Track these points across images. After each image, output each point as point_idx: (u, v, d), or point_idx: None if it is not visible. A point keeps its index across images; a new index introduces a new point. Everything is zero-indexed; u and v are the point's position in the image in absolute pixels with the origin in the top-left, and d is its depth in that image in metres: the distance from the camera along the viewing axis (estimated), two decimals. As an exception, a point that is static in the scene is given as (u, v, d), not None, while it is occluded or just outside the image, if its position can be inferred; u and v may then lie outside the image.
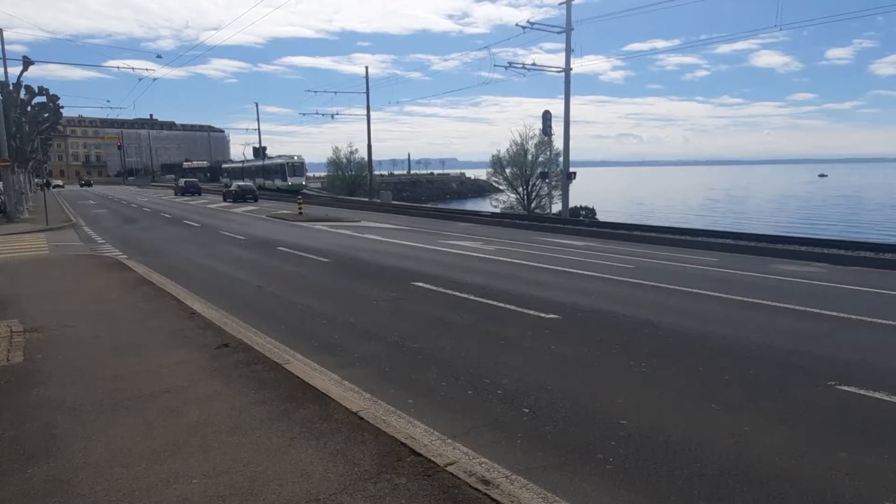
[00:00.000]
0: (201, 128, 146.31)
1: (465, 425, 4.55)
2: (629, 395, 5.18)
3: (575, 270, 12.30)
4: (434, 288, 10.04)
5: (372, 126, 45.02)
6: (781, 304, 8.96)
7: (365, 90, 45.45)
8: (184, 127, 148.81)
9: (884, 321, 7.89)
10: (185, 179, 60.78)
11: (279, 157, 59.60)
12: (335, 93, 56.63)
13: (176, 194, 54.99)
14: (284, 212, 30.02)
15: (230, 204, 39.18)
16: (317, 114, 50.28)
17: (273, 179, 56.42)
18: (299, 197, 31.83)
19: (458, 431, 4.39)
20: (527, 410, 4.82)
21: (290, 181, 53.76)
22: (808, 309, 8.63)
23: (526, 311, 8.30)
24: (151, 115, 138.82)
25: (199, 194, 53.79)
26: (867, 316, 8.14)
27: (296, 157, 56.22)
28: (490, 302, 8.92)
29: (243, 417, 4.42)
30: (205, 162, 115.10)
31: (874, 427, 4.55)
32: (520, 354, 6.42)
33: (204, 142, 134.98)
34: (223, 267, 12.91)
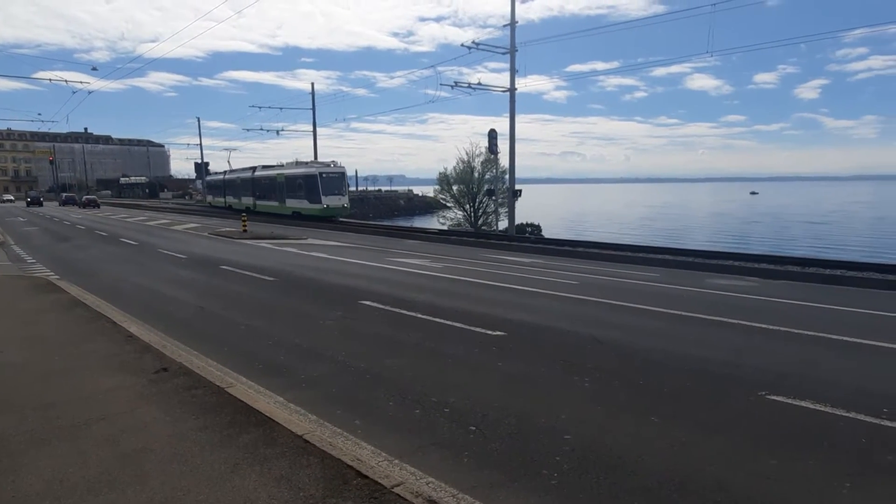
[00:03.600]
0: (139, 142, 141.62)
1: (413, 445, 4.55)
2: (573, 410, 5.29)
3: (521, 287, 12.48)
4: (381, 306, 10.01)
5: (318, 142, 44.51)
6: (716, 318, 9.34)
7: (311, 106, 45.17)
8: (121, 141, 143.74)
9: (810, 333, 8.33)
10: (65, 194, 63.36)
11: (304, 163, 38.52)
12: (280, 108, 53.63)
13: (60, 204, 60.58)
14: (228, 229, 29.32)
15: (170, 221, 37.99)
16: (261, 129, 49.60)
17: (294, 199, 37.55)
18: (243, 214, 30.96)
19: (405, 451, 4.39)
20: (473, 428, 4.86)
21: (326, 202, 34.65)
22: (740, 322, 9.03)
23: (473, 328, 8.37)
24: (86, 129, 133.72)
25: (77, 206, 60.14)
26: (795, 328, 8.58)
27: (332, 164, 36.59)
28: (437, 320, 8.95)
29: (183, 444, 4.29)
30: (143, 178, 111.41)
31: (801, 434, 4.79)
32: (467, 372, 6.47)
33: (142, 157, 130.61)
34: (163, 287, 12.50)
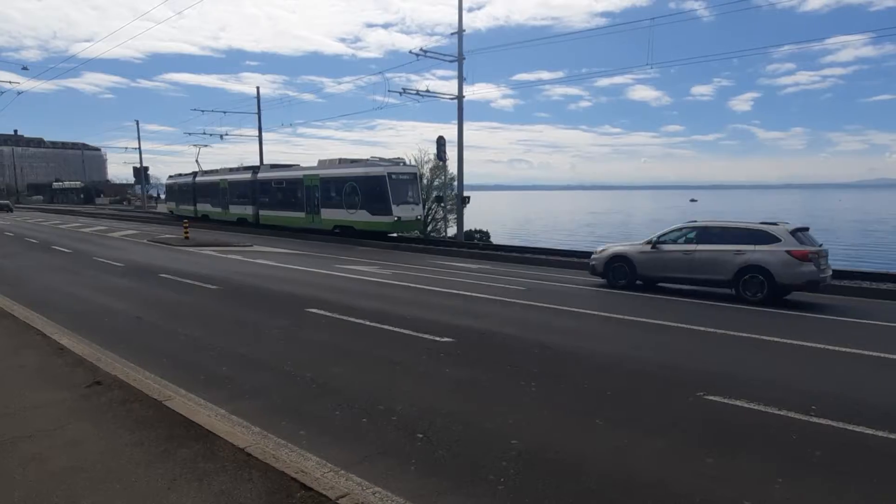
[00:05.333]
0: (74, 145, 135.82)
1: (359, 454, 4.49)
2: (520, 415, 5.34)
3: (469, 293, 12.54)
4: (329, 314, 9.87)
5: (264, 147, 43.48)
6: (657, 322, 9.63)
7: (256, 110, 44.35)
8: (54, 144, 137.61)
9: (745, 335, 8.68)
10: None
11: (354, 161, 28.46)
12: (224, 112, 51.63)
13: None
14: (168, 236, 28.38)
15: (107, 227, 36.49)
16: (204, 133, 48.02)
17: (342, 209, 27.38)
18: (185, 221, 29.93)
19: (351, 461, 4.33)
20: (421, 435, 4.84)
21: (398, 213, 25.39)
22: (680, 325, 9.34)
23: (421, 335, 8.35)
24: (16, 131, 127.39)
25: None
26: (731, 330, 8.93)
27: (400, 162, 27.36)
28: (386, 327, 8.89)
29: (117, 461, 4.11)
30: (78, 182, 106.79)
31: (736, 432, 4.98)
32: (415, 379, 6.45)
33: (77, 161, 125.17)
34: (98, 297, 11.97)
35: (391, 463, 4.36)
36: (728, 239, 12.47)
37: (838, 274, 14.08)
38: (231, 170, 38.64)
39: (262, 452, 4.18)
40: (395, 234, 27.20)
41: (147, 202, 76.82)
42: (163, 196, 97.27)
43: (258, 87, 45.34)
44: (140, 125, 66.53)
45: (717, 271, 12.27)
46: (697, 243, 12.77)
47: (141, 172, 71.02)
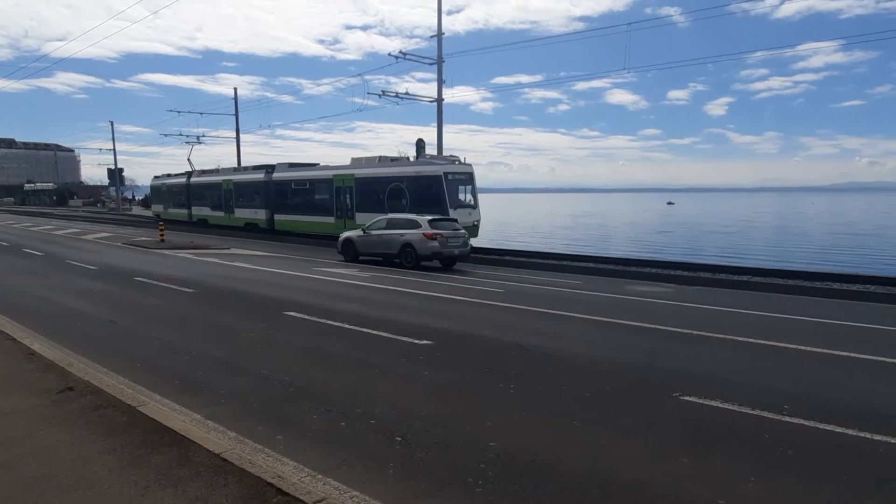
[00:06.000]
0: (46, 146, 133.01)
1: (337, 458, 4.46)
2: (498, 417, 5.35)
3: (448, 296, 12.55)
4: (307, 317, 9.80)
5: (242, 149, 43.07)
6: (635, 323, 9.72)
7: (234, 112, 43.94)
8: (25, 145, 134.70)
9: (720, 335, 8.80)
10: None
11: (399, 160, 25.76)
12: (201, 113, 50.13)
13: None
14: (144, 238, 27.96)
15: (80, 230, 35.84)
16: (180, 135, 47.39)
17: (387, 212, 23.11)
18: (160, 223, 29.38)
19: (329, 465, 4.29)
20: (399, 439, 4.83)
21: (457, 217, 21.21)
22: (657, 326, 9.44)
23: (400, 337, 8.33)
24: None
25: None
26: (706, 331, 9.05)
27: (455, 160, 24.08)
28: (364, 330, 8.85)
29: (89, 469, 4.03)
30: (51, 184, 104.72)
31: (711, 432, 5.05)
32: (393, 382, 6.43)
33: (50, 162, 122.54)
34: (70, 301, 11.74)
35: (369, 466, 4.34)
36: (399, 226, 18.42)
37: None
38: (235, 169, 35.25)
39: (237, 458, 4.13)
40: None
41: (122, 204, 75.57)
42: (138, 198, 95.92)
43: (235, 89, 44.94)
44: (115, 126, 65.40)
45: (392, 247, 18.39)
46: (386, 229, 18.74)
47: (115, 174, 69.78)
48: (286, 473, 3.99)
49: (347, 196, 26.18)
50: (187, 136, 47.13)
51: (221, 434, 4.85)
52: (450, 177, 22.68)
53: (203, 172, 39.20)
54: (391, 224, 18.87)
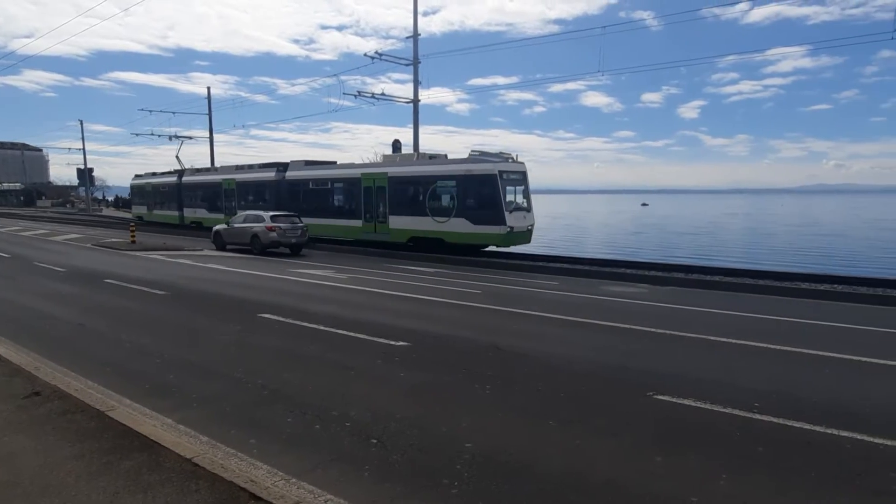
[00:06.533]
0: (13, 145, 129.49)
1: (312, 462, 4.42)
2: (474, 418, 5.35)
3: (425, 297, 12.53)
4: (282, 319, 9.70)
5: (216, 149, 42.42)
6: (609, 323, 9.81)
7: (207, 111, 43.36)
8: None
9: (692, 335, 8.93)
10: None
11: (438, 157, 23.35)
12: (173, 113, 49.17)
13: None
14: (114, 240, 27.42)
15: (49, 231, 35.01)
16: (152, 134, 46.56)
17: (436, 217, 21.53)
18: (132, 225, 28.73)
19: (303, 469, 4.25)
20: (375, 441, 4.80)
21: (511, 222, 20.20)
22: (631, 326, 9.54)
23: (376, 339, 8.29)
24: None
25: None
26: (679, 331, 9.17)
27: (508, 158, 21.56)
28: (340, 332, 8.79)
29: (56, 475, 3.93)
30: (18, 184, 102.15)
31: (684, 431, 5.11)
32: (369, 384, 6.39)
33: (17, 161, 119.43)
34: (38, 303, 11.46)
35: (344, 469, 4.30)
36: (250, 220, 22.61)
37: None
38: (238, 167, 32.40)
39: (209, 462, 4.06)
40: (503, 246, 21.49)
41: (92, 205, 74.05)
42: (109, 199, 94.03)
43: (209, 88, 44.27)
44: (84, 125, 64.07)
45: (245, 237, 22.48)
46: (244, 223, 22.79)
47: (85, 174, 68.45)
48: (259, 478, 3.94)
49: (379, 197, 23.77)
50: (159, 136, 46.32)
51: (193, 438, 4.77)
52: (504, 176, 20.36)
53: (198, 171, 36.24)
54: (246, 219, 23.00)
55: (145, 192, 41.80)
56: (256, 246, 22.08)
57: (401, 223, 22.94)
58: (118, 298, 12.05)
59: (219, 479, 3.80)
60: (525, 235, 21.37)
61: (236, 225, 23.21)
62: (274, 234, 21.65)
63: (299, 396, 5.91)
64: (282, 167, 28.93)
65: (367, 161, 29.53)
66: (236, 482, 3.75)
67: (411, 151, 23.93)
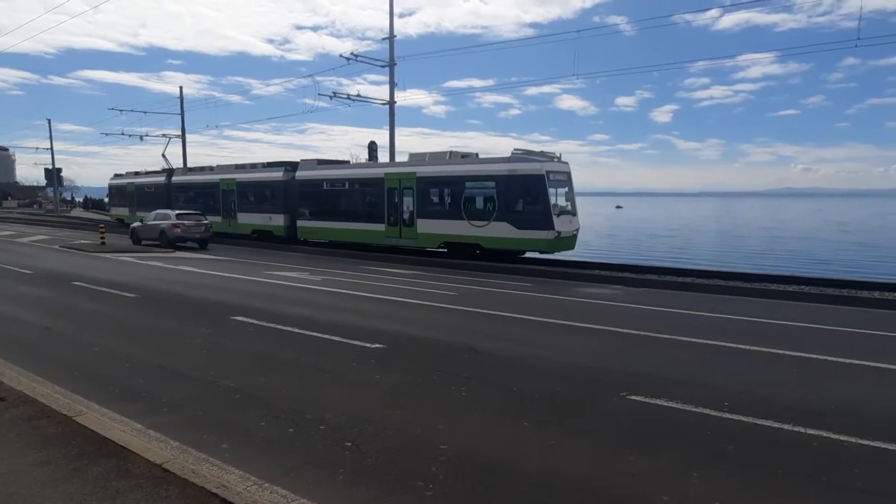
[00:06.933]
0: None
1: (285, 466, 4.37)
2: (450, 420, 5.35)
3: (401, 299, 12.50)
4: (255, 322, 9.59)
5: (189, 149, 41.92)
6: (584, 325, 9.91)
7: (179, 111, 42.71)
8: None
9: (665, 335, 9.05)
10: None
11: (469, 156, 21.71)
12: (144, 112, 47.66)
13: None
14: (83, 241, 26.84)
15: (14, 233, 34.12)
16: (122, 134, 45.68)
17: (475, 222, 19.82)
18: (101, 226, 28.09)
19: (276, 473, 4.20)
20: (349, 444, 4.77)
21: (559, 227, 18.75)
22: (604, 327, 9.65)
23: (351, 341, 8.25)
24: None
25: None
26: (652, 332, 9.29)
27: (555, 159, 20.03)
28: (315, 334, 8.72)
29: (21, 482, 3.82)
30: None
31: (657, 430, 5.18)
32: (344, 387, 6.35)
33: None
34: (3, 307, 11.15)
35: (319, 473, 4.27)
36: (160, 218, 25.41)
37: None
38: (238, 167, 30.39)
39: (180, 468, 3.99)
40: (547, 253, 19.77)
41: (60, 206, 72.38)
42: (78, 200, 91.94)
43: (181, 87, 43.58)
44: (52, 124, 62.66)
45: (155, 233, 25.18)
46: (154, 221, 25.61)
47: (53, 174, 66.84)
48: (231, 482, 3.89)
49: (405, 199, 21.86)
50: (130, 136, 45.44)
51: (164, 444, 4.69)
52: (551, 177, 18.76)
53: (190, 170, 34.12)
54: (156, 217, 25.82)
55: (127, 193, 39.32)
56: (164, 240, 24.71)
57: (430, 227, 21.15)
58: (87, 301, 11.80)
59: (190, 485, 3.74)
60: (570, 241, 19.96)
61: (148, 223, 25.83)
62: (178, 231, 24.42)
63: (273, 400, 5.85)
64: (291, 166, 27.18)
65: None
66: (207, 487, 3.69)
67: (445, 150, 22.03)
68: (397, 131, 27.43)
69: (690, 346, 8.47)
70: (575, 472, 4.35)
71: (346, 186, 24.54)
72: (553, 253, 19.76)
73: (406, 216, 21.91)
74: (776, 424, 5.23)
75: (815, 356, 7.80)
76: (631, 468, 4.42)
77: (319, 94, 27.97)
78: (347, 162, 27.15)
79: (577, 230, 20.29)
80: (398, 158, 25.98)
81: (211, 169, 32.59)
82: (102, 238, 25.57)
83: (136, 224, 27.17)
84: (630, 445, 4.83)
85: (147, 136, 44.98)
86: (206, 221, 25.56)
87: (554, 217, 18.53)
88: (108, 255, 21.53)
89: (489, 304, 11.95)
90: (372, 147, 28.16)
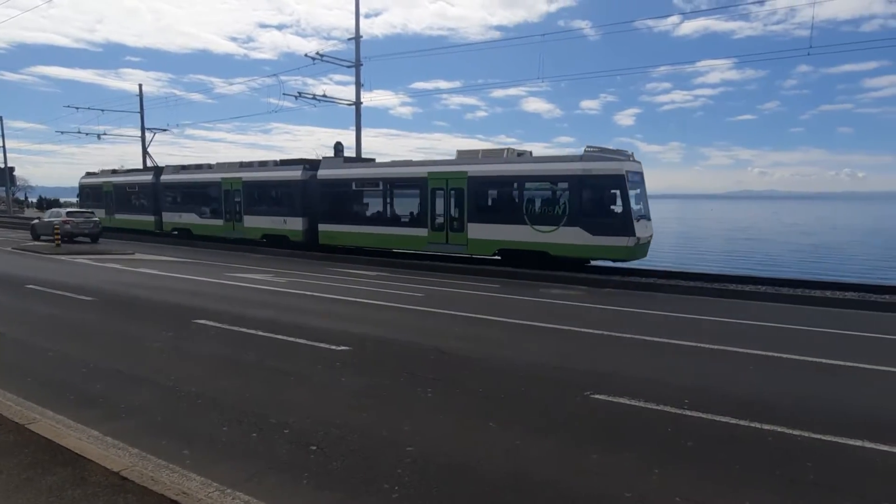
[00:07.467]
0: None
1: (249, 471, 4.31)
2: (416, 422, 5.35)
3: (367, 300, 12.44)
4: (218, 325, 9.43)
5: (149, 148, 41.22)
6: (549, 325, 10.01)
7: (139, 109, 41.74)
8: None
9: (627, 335, 9.21)
10: None
11: (524, 154, 19.83)
12: (102, 110, 46.02)
13: None
14: (37, 243, 25.99)
15: (-37, 234, 32.81)
16: (79, 132, 44.42)
17: (528, 224, 18.07)
18: (56, 227, 27.14)
19: (239, 479, 4.14)
20: (314, 448, 4.73)
21: (640, 232, 17.09)
22: (570, 328, 9.77)
23: (317, 344, 8.18)
24: None
25: None
26: (615, 331, 9.45)
27: (631, 157, 17.81)
28: (279, 337, 8.62)
29: (-32, 494, 3.69)
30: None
31: (619, 428, 5.28)
32: (309, 390, 6.30)
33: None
34: (-51, 311, 10.73)
35: (283, 478, 4.22)
36: (54, 216, 28.49)
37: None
38: (243, 165, 27.48)
39: (139, 475, 3.90)
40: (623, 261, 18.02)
41: (13, 206, 69.83)
42: (32, 200, 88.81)
43: (140, 85, 42.60)
44: (4, 121, 60.37)
45: (50, 230, 26.40)
46: (49, 218, 28.36)
47: (6, 173, 64.43)
48: (192, 489, 3.82)
49: (453, 201, 19.71)
50: (87, 134, 44.18)
51: (122, 451, 4.57)
52: (630, 177, 17.00)
53: (184, 168, 30.78)
54: (51, 215, 29.09)
55: (103, 194, 35.89)
56: (60, 237, 26.55)
57: (484, 233, 19.08)
58: (41, 305, 11.43)
59: (149, 493, 3.66)
60: (645, 248, 18.13)
61: (45, 219, 29.01)
62: (68, 227, 26.80)
63: (236, 404, 5.76)
64: (310, 164, 24.47)
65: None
66: (167, 495, 3.62)
67: (498, 146, 20.11)
68: (364, 132, 27.32)
69: (652, 346, 8.64)
70: (540, 471, 4.39)
71: (380, 187, 21.95)
72: (630, 261, 18.01)
73: (454, 220, 19.71)
74: (733, 420, 5.38)
75: (770, 353, 8.04)
76: (595, 466, 4.49)
77: (284, 94, 27.70)
78: (373, 160, 24.33)
79: (651, 236, 18.54)
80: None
81: (209, 167, 29.62)
82: (58, 240, 24.79)
83: (35, 221, 30.40)
84: (594, 444, 4.91)
85: (105, 134, 43.85)
86: (95, 219, 28.86)
87: (634, 222, 16.86)
88: (63, 258, 20.88)
89: (456, 305, 11.98)
90: (338, 147, 27.92)
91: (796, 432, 5.11)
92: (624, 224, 16.73)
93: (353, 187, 22.74)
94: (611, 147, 17.81)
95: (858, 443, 4.92)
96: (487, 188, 19.35)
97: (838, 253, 38.76)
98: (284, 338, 8.56)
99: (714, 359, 7.99)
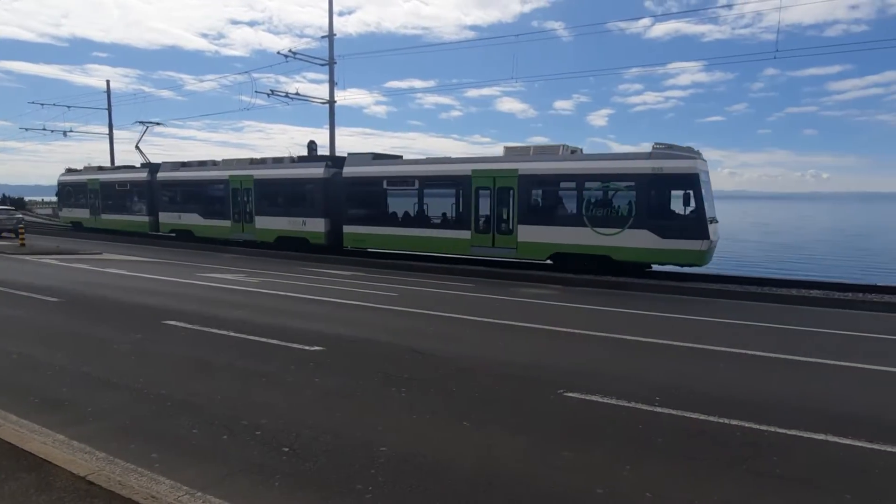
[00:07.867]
0: None
1: (219, 473, 4.25)
2: (390, 422, 5.34)
3: (341, 300, 12.37)
4: (189, 326, 9.28)
5: (117, 146, 40.00)
6: (523, 324, 10.07)
7: (106, 105, 40.89)
8: None
9: (602, 334, 9.32)
10: None
11: (576, 151, 18.63)
12: (68, 107, 44.77)
13: None
14: (1, 243, 25.28)
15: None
16: (44, 129, 43.38)
17: (588, 226, 16.98)
18: (21, 226, 26.40)
19: (210, 482, 4.08)
20: (286, 449, 4.68)
21: (714, 235, 16.17)
22: (543, 326, 9.85)
23: (289, 344, 8.10)
24: None
25: None
26: (588, 330, 9.55)
27: (699, 155, 16.47)
28: (251, 337, 8.52)
29: (-74, 502, 3.57)
30: None
31: (592, 426, 5.34)
32: (281, 391, 6.23)
33: None
34: None
35: (254, 480, 4.17)
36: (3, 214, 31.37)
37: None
38: (253, 162, 25.47)
39: (106, 480, 3.83)
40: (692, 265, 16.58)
41: (-27, 205, 67.78)
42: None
43: (108, 81, 41.74)
44: (-36, 118, 58.42)
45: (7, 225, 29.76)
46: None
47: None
48: (161, 493, 3.75)
49: (500, 201, 18.49)
50: (52, 131, 43.12)
51: (88, 455, 4.47)
52: (703, 177, 15.94)
53: (184, 165, 28.48)
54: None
55: (88, 192, 33.32)
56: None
57: (536, 235, 17.94)
58: (4, 307, 11.11)
59: (116, 497, 3.59)
60: (712, 252, 16.83)
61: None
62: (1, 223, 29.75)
63: (206, 406, 5.68)
64: (332, 161, 23.11)
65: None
66: (135, 499, 3.56)
67: (553, 143, 18.80)
68: (338, 131, 27.16)
69: (624, 344, 8.75)
70: (513, 469, 4.42)
71: (416, 186, 20.26)
72: (700, 266, 16.67)
73: (502, 222, 18.53)
74: (703, 416, 5.48)
75: (739, 351, 8.21)
76: (567, 463, 4.53)
77: (257, 92, 27.31)
78: (401, 157, 22.26)
79: (717, 238, 17.26)
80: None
81: (214, 164, 27.47)
82: (22, 239, 24.16)
83: None
84: (566, 441, 4.96)
85: (71, 131, 42.85)
86: (18, 215, 31.70)
87: (709, 224, 15.77)
88: (28, 258, 20.34)
89: (430, 305, 11.98)
90: (311, 146, 27.70)
91: (763, 427, 5.22)
92: (697, 227, 15.71)
93: (385, 186, 20.84)
94: (682, 145, 16.64)
95: (822, 437, 5.05)
96: (541, 187, 18.10)
97: (798, 252, 39.78)
98: (256, 338, 8.46)
99: (685, 357, 8.12)
